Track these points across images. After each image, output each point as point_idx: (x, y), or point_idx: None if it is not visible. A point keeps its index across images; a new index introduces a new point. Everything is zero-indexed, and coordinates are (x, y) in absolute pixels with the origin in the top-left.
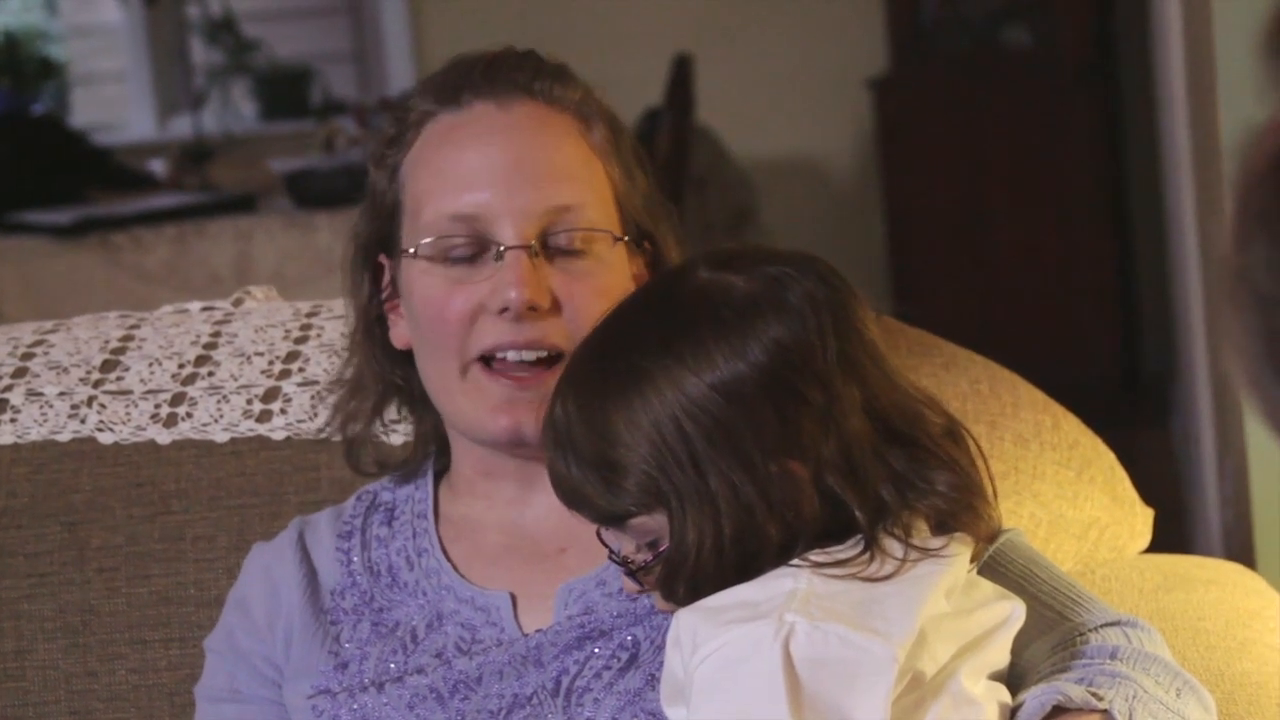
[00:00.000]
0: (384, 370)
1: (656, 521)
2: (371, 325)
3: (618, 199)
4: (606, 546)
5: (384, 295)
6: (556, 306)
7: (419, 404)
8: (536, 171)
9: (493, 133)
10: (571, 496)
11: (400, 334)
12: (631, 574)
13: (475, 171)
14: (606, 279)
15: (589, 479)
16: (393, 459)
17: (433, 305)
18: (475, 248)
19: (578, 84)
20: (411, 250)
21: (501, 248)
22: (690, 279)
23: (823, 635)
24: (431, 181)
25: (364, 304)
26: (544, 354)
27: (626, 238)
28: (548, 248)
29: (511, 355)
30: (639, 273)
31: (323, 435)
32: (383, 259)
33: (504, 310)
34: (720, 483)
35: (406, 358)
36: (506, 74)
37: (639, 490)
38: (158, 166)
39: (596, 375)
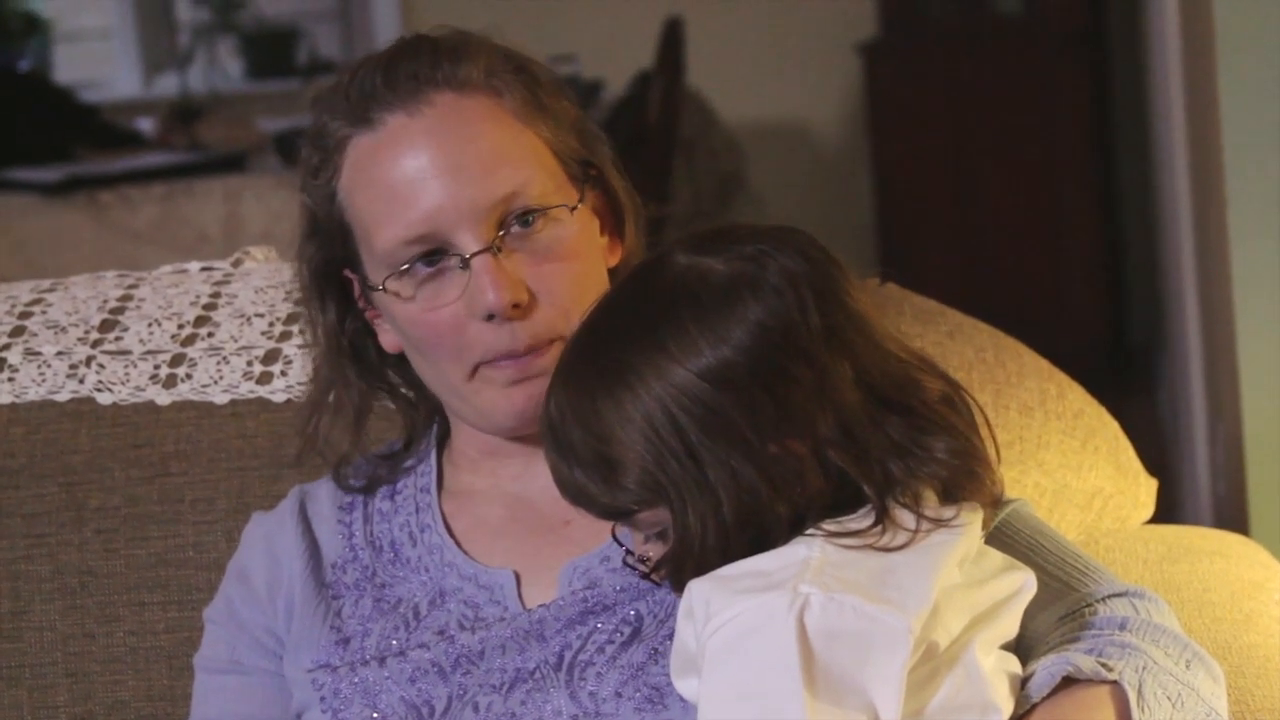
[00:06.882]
0: (362, 385)
1: (660, 514)
2: (341, 344)
3: (555, 153)
4: (620, 544)
5: (360, 307)
6: (536, 296)
7: (409, 397)
8: (470, 169)
9: (414, 146)
10: (575, 496)
11: (390, 340)
12: (646, 574)
13: (411, 190)
14: (575, 242)
15: (590, 478)
16: (383, 442)
17: (419, 328)
18: (440, 263)
19: (477, 50)
20: (380, 285)
21: (465, 256)
22: (668, 266)
23: (838, 607)
24: (372, 207)
25: (332, 325)
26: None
27: (579, 193)
28: (509, 237)
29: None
30: (598, 205)
31: (299, 462)
32: (348, 273)
33: (489, 317)
34: (718, 470)
35: (388, 360)
36: (406, 73)
37: (639, 486)
38: (146, 125)
39: (585, 373)
